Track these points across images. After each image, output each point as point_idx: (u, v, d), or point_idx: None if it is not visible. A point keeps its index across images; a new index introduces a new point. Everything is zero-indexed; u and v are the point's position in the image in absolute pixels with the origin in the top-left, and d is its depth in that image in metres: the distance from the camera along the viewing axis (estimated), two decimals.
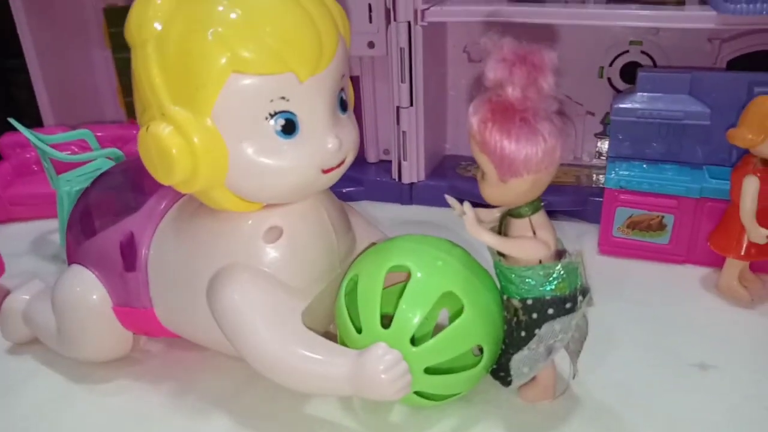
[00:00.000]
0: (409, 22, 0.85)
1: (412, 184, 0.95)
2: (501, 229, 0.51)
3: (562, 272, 0.49)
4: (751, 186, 0.63)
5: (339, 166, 0.51)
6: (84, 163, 0.85)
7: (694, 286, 0.72)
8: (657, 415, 0.54)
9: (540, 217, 0.49)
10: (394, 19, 0.85)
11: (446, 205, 0.92)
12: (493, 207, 0.52)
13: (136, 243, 0.56)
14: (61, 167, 0.82)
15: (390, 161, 0.97)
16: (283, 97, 0.46)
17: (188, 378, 0.60)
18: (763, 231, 0.64)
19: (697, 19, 0.75)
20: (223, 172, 0.47)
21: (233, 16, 0.45)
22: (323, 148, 0.49)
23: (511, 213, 0.49)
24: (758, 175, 0.63)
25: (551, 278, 0.49)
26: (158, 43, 0.45)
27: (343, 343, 0.52)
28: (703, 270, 0.74)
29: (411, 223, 0.90)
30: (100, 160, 0.85)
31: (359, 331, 0.50)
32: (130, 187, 0.64)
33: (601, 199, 0.82)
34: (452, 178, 0.96)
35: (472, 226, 0.47)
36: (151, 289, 0.56)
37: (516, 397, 0.55)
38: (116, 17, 1.12)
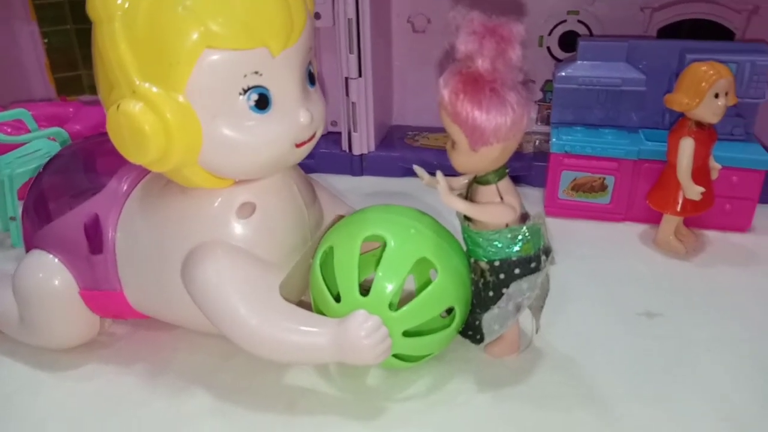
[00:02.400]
0: None
1: (362, 155, 0.96)
2: (467, 196, 0.54)
3: (527, 234, 0.52)
4: (687, 147, 0.68)
5: (310, 139, 0.52)
6: (20, 144, 0.81)
7: (634, 242, 0.77)
8: (613, 361, 0.58)
9: (506, 183, 0.51)
10: None
11: (397, 174, 0.96)
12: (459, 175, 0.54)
13: (102, 225, 0.55)
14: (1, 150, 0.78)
15: (338, 133, 0.97)
16: (256, 72, 0.46)
17: (160, 358, 0.60)
18: (698, 188, 0.69)
19: None
20: (196, 149, 0.47)
21: None
22: (296, 122, 0.49)
23: (479, 180, 0.52)
24: (693, 136, 0.68)
25: (517, 240, 0.52)
26: (126, 19, 0.44)
27: (321, 313, 0.54)
28: (641, 227, 0.80)
29: (364, 194, 0.91)
30: (41, 140, 0.81)
31: (338, 300, 0.52)
32: (83, 168, 0.62)
33: (543, 164, 0.86)
34: (402, 148, 0.97)
35: (445, 194, 0.49)
36: (120, 271, 0.55)
37: (484, 353, 0.58)
38: None
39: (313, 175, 0.95)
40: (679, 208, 0.72)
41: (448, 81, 0.47)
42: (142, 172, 0.57)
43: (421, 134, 1.01)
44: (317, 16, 0.90)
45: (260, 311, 0.50)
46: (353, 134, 0.95)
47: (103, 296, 0.56)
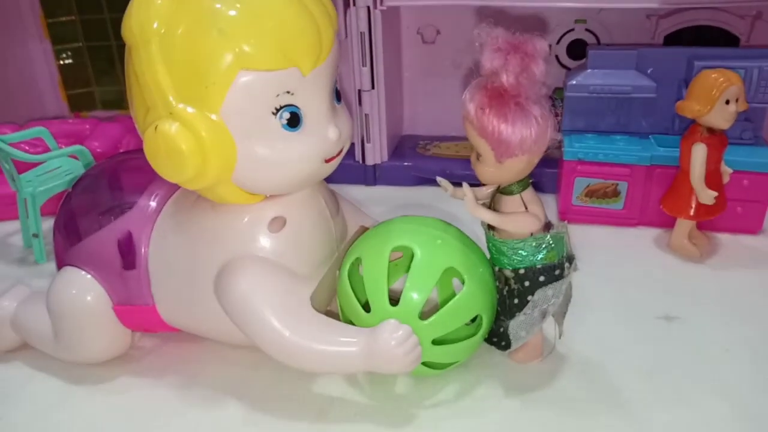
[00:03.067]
0: (368, 7, 0.87)
1: (375, 165, 0.98)
2: (491, 206, 0.55)
3: (551, 242, 0.53)
4: (699, 153, 0.70)
5: (338, 154, 0.53)
6: (40, 162, 0.82)
7: (649, 246, 0.79)
8: (634, 364, 0.59)
9: (529, 194, 0.53)
10: (353, 4, 0.87)
11: (410, 183, 0.97)
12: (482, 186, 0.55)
13: (135, 241, 0.56)
14: (21, 168, 0.79)
15: (352, 144, 0.99)
16: (288, 92, 0.48)
17: (191, 370, 0.61)
18: (711, 193, 0.70)
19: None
20: (231, 167, 0.49)
21: (233, 13, 0.46)
22: (326, 139, 0.51)
23: (503, 191, 0.53)
24: (705, 142, 0.70)
25: (542, 248, 0.53)
26: (163, 42, 0.46)
27: (350, 323, 0.55)
28: (655, 231, 0.81)
29: (379, 203, 0.92)
30: (62, 158, 0.83)
31: (367, 309, 0.53)
32: (109, 187, 0.64)
33: (554, 170, 0.88)
34: (414, 158, 0.99)
35: (471, 205, 0.51)
36: (152, 286, 0.57)
37: (508, 360, 0.59)
38: (54, 7, 1.08)
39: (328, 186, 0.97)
40: (692, 213, 0.74)
41: (474, 96, 0.48)
42: (171, 188, 0.58)
43: (432, 143, 1.02)
44: None
45: (293, 323, 0.51)
46: (366, 145, 0.96)
47: (136, 311, 0.58)
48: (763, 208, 0.78)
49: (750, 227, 0.80)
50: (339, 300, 0.56)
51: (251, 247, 0.53)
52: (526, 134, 0.47)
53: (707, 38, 0.89)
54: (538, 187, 0.91)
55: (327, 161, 0.52)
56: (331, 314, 0.54)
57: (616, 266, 0.74)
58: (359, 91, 0.92)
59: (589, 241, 0.80)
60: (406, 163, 0.98)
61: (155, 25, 0.46)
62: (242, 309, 0.52)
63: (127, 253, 0.56)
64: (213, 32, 0.45)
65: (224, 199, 0.52)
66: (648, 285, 0.71)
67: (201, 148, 0.46)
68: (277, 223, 0.53)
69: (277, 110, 0.48)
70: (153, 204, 0.58)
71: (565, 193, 0.83)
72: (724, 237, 0.79)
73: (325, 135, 0.50)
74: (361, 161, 0.98)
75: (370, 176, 0.98)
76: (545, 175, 0.91)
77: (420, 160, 0.98)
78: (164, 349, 0.64)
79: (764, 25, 0.89)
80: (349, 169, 0.98)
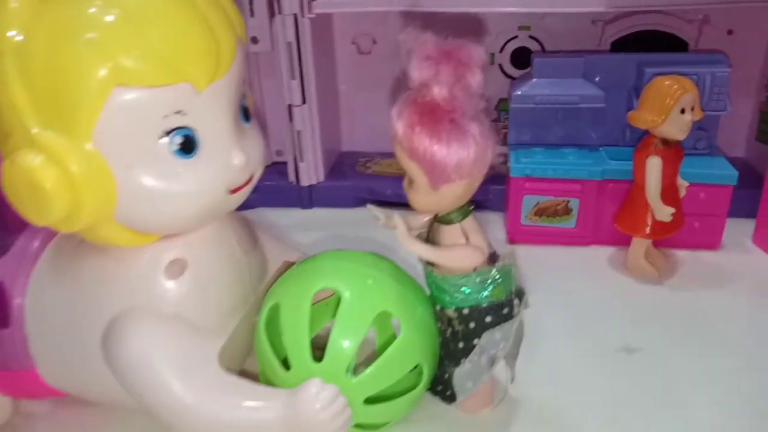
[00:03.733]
0: (295, 15, 0.79)
1: (311, 186, 0.90)
2: (429, 237, 0.48)
3: (497, 277, 0.46)
4: (655, 167, 0.65)
5: (247, 183, 0.45)
6: None
7: (603, 267, 0.73)
8: (596, 405, 0.53)
9: (471, 222, 0.46)
10: (279, 12, 0.79)
11: (350, 205, 0.90)
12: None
13: (7, 293, 0.47)
14: None
15: (284, 163, 0.91)
16: (178, 112, 0.40)
17: None
18: (669, 209, 0.65)
19: (586, 3, 0.76)
20: (110, 205, 0.40)
21: (109, 18, 0.38)
22: (228, 166, 0.43)
23: (440, 219, 0.46)
24: (660, 155, 0.65)
25: (487, 284, 0.46)
26: (19, 56, 0.37)
27: (269, 382, 0.47)
28: (609, 249, 0.76)
29: (315, 228, 0.84)
30: None
31: (287, 367, 0.45)
32: None
33: (501, 187, 0.82)
34: (353, 177, 0.91)
35: (404, 239, 0.43)
36: (31, 346, 0.47)
37: (455, 409, 0.52)
38: None
39: (257, 210, 0.89)
40: (649, 231, 0.68)
41: (402, 112, 0.41)
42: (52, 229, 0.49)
43: (373, 160, 0.95)
44: (254, 40, 0.83)
45: (197, 386, 0.43)
46: (300, 164, 0.88)
47: (12, 377, 0.48)
48: (721, 222, 0.74)
49: (709, 243, 0.75)
50: (257, 355, 0.48)
51: (144, 297, 0.44)
52: (463, 156, 0.40)
53: (655, 44, 0.85)
54: (485, 206, 0.86)
55: (232, 192, 0.44)
56: (250, 374, 0.46)
57: (570, 291, 0.68)
58: (289, 106, 0.84)
59: (540, 263, 0.74)
60: (344, 183, 0.90)
61: (10, 34, 0.37)
62: (135, 373, 0.43)
63: None
64: (79, 41, 0.37)
65: (108, 241, 0.43)
66: (605, 312, 0.65)
67: (70, 184, 0.38)
68: (176, 267, 0.45)
69: (166, 133, 0.40)
70: (33, 246, 0.49)
71: (513, 212, 0.77)
72: (682, 254, 0.74)
73: (227, 161, 0.42)
74: (295, 182, 0.90)
75: (306, 198, 0.90)
76: (492, 192, 0.85)
77: (360, 179, 0.91)
78: (58, 416, 0.54)
79: (712, 30, 0.85)
80: (282, 191, 0.90)
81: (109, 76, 0.37)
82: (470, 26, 0.88)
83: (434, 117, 0.40)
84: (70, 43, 0.37)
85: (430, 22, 0.83)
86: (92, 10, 0.38)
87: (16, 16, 0.38)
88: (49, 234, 0.50)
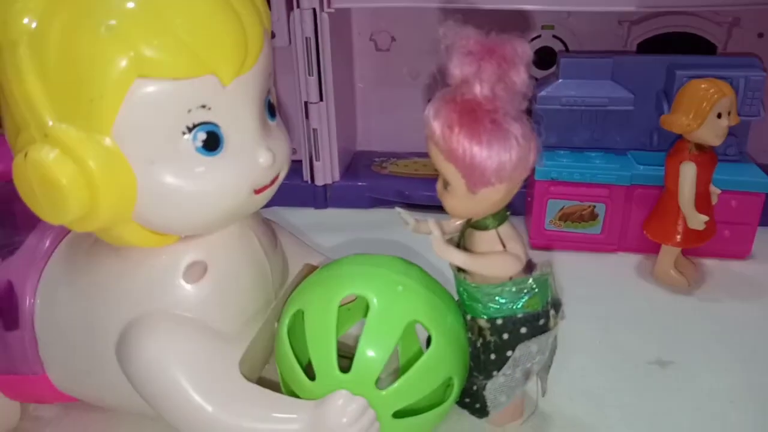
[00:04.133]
0: (314, 9, 0.77)
1: (326, 185, 0.88)
2: (460, 242, 0.46)
3: (533, 287, 0.44)
4: (689, 173, 0.62)
5: (272, 183, 0.43)
6: None
7: (631, 276, 0.71)
8: (630, 422, 0.51)
9: (507, 228, 0.44)
10: (297, 6, 0.77)
11: (365, 205, 0.87)
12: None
13: (17, 294, 0.45)
14: None
15: (299, 161, 0.88)
16: (203, 106, 0.37)
17: None
18: (702, 217, 0.63)
19: (614, 2, 0.73)
20: (129, 204, 0.38)
21: (131, 5, 0.35)
22: (254, 164, 0.40)
23: (475, 225, 0.44)
24: (695, 161, 0.62)
25: (523, 294, 0.44)
26: (34, 44, 0.35)
27: (291, 392, 0.44)
28: (636, 257, 0.74)
29: (330, 230, 0.82)
30: None
31: (312, 377, 0.42)
32: None
33: (523, 190, 0.79)
34: (369, 177, 0.89)
35: (440, 246, 0.41)
36: (41, 350, 0.45)
37: (484, 422, 0.50)
38: None
39: (271, 210, 0.87)
40: (680, 239, 0.66)
41: (440, 111, 0.39)
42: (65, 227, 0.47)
43: (389, 160, 0.93)
44: (271, 34, 0.81)
45: (218, 396, 0.41)
46: (315, 163, 0.86)
47: (21, 381, 0.46)
48: (752, 230, 0.71)
49: (738, 252, 0.72)
50: (278, 363, 0.46)
51: (162, 302, 0.42)
52: (504, 158, 0.38)
53: (682, 46, 0.83)
54: (508, 209, 0.84)
55: (257, 192, 0.41)
56: (268, 382, 0.44)
57: (598, 300, 0.66)
58: (306, 103, 0.82)
59: (566, 271, 0.71)
60: (359, 183, 0.88)
61: (25, 21, 0.35)
62: (151, 379, 0.41)
63: (7, 309, 0.45)
64: (99, 29, 0.34)
65: (125, 241, 0.41)
66: (635, 323, 0.63)
67: (88, 181, 0.36)
68: (196, 271, 0.42)
69: (190, 129, 0.37)
70: (44, 244, 0.47)
71: (537, 216, 0.75)
72: (710, 263, 0.72)
73: (253, 160, 0.40)
74: (309, 181, 0.87)
75: (320, 198, 0.88)
76: (514, 196, 0.82)
77: (375, 179, 0.89)
78: (66, 420, 0.52)
79: (742, 32, 0.83)
80: (297, 190, 0.88)
81: (130, 66, 0.35)
82: (492, 24, 0.86)
83: (474, 117, 0.38)
84: (88, 31, 0.35)
85: (452, 18, 0.81)
86: None
87: (30, 1, 0.35)
88: (60, 232, 0.47)
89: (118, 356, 0.42)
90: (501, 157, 0.38)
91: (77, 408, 0.52)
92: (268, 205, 0.88)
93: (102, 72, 0.34)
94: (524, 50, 0.37)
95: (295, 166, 0.88)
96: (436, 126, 0.39)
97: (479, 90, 0.37)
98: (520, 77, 0.38)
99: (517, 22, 0.84)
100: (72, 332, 0.44)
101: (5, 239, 0.49)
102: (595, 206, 0.73)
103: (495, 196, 0.40)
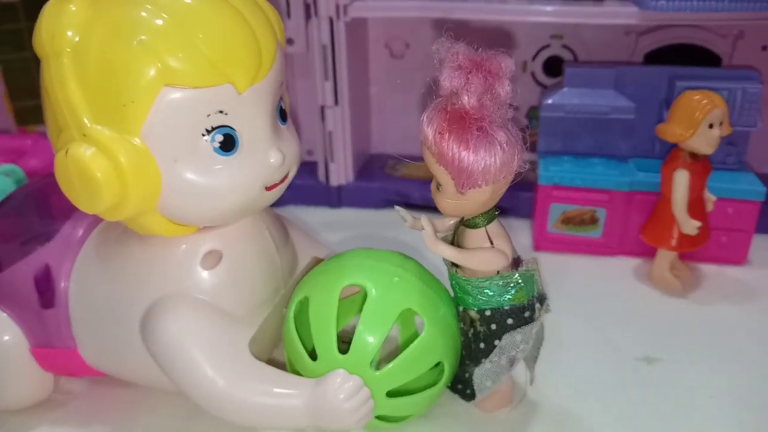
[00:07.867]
0: (330, 18, 0.81)
1: (340, 186, 0.92)
2: (454, 240, 0.50)
3: (519, 281, 0.48)
4: (682, 180, 0.65)
5: (282, 181, 0.47)
6: None
7: (628, 278, 0.74)
8: (613, 412, 0.54)
9: (496, 227, 0.47)
10: (315, 15, 0.82)
11: (377, 206, 0.92)
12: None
13: (53, 276, 0.50)
14: None
15: (314, 162, 0.93)
16: (220, 111, 0.42)
17: (121, 418, 0.54)
18: (695, 222, 0.66)
19: (619, 15, 0.76)
20: (155, 196, 0.43)
21: (159, 22, 0.40)
22: (266, 164, 0.45)
23: (466, 223, 0.47)
24: (688, 168, 0.65)
25: (509, 288, 0.48)
26: (76, 55, 0.40)
27: (295, 371, 0.49)
28: (635, 261, 0.76)
29: (343, 228, 0.87)
30: None
31: (314, 357, 0.47)
32: (36, 212, 0.57)
33: (529, 194, 0.83)
34: (382, 179, 0.93)
35: (431, 241, 0.45)
36: (73, 327, 0.50)
37: (474, 408, 0.54)
38: None
39: (288, 208, 0.92)
40: (674, 243, 0.69)
41: (432, 118, 0.43)
42: (97, 217, 0.52)
43: (402, 163, 0.97)
44: (290, 41, 0.86)
45: (228, 371, 0.45)
46: (330, 164, 0.90)
47: (55, 354, 0.51)
48: (748, 237, 0.74)
49: (735, 258, 0.75)
50: (285, 345, 0.50)
51: (182, 285, 0.47)
52: (489, 162, 0.42)
53: (688, 57, 0.85)
54: (513, 213, 0.87)
55: (268, 189, 0.46)
56: (277, 363, 0.48)
57: (593, 300, 0.69)
58: (322, 107, 0.87)
59: (565, 272, 0.75)
60: (373, 185, 0.92)
61: (69, 34, 0.40)
62: (171, 355, 0.46)
63: (45, 289, 0.50)
64: (132, 43, 0.39)
65: (150, 230, 0.46)
66: (627, 321, 0.66)
67: (119, 175, 0.41)
68: (212, 258, 0.47)
69: (208, 132, 0.42)
70: (78, 232, 0.52)
71: (540, 219, 0.78)
72: (707, 268, 0.74)
73: (265, 159, 0.45)
74: (324, 182, 0.92)
75: (334, 198, 0.92)
76: (520, 199, 0.86)
77: (388, 181, 0.93)
78: (93, 393, 0.57)
79: (746, 45, 0.85)
80: (312, 190, 0.93)
81: (158, 76, 0.40)
82: (502, 34, 0.89)
83: (463, 124, 0.42)
84: (122, 45, 0.40)
85: (462, 29, 0.85)
86: (143, 13, 0.40)
87: (74, 17, 0.40)
88: (92, 222, 0.52)
89: (142, 334, 0.47)
90: (486, 161, 0.42)
91: (105, 383, 0.57)
92: (285, 204, 0.94)
93: (134, 80, 0.39)
94: (508, 65, 0.41)
95: (311, 167, 0.94)
96: (429, 132, 0.43)
97: (467, 100, 0.41)
98: (504, 89, 0.42)
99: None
100: (101, 312, 0.49)
101: (44, 227, 0.54)
102: (595, 211, 0.76)
103: (482, 196, 0.44)
